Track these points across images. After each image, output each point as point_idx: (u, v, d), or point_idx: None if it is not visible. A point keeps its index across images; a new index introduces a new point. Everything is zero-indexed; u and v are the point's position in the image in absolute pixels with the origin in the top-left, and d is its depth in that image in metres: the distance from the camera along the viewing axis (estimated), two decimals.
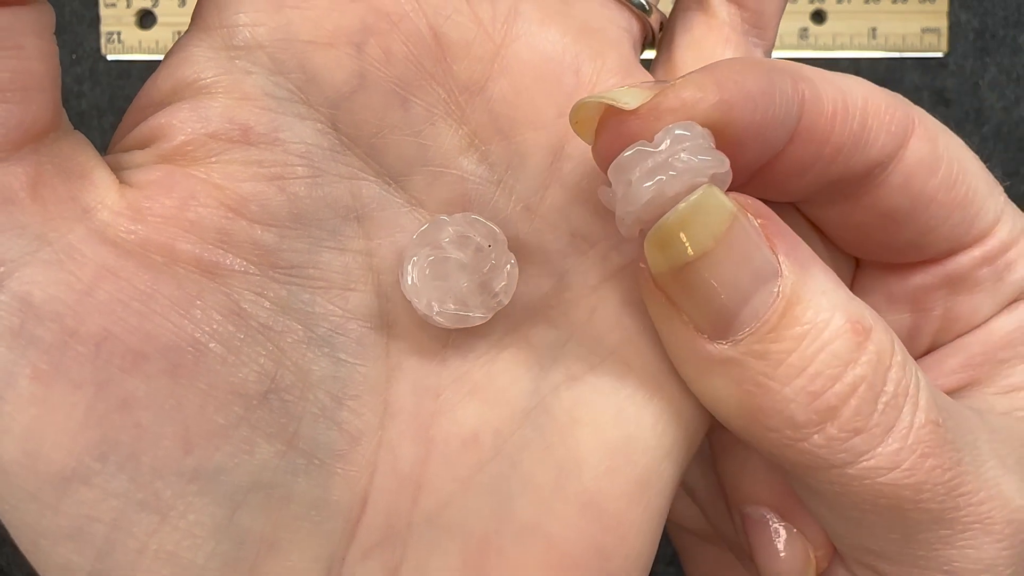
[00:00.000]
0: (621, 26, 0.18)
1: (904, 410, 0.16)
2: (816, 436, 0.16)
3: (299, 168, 0.16)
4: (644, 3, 0.18)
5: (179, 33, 0.39)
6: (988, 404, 0.19)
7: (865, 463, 0.16)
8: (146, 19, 0.38)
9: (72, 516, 0.14)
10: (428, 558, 0.16)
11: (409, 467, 0.16)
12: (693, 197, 0.15)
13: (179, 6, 0.38)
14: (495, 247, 0.16)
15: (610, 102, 0.15)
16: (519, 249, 0.17)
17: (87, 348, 0.14)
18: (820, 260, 0.16)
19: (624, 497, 0.17)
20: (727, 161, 0.15)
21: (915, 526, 0.16)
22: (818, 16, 0.38)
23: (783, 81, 0.16)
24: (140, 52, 0.38)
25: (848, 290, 0.16)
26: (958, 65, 0.38)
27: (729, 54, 0.19)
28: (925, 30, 0.38)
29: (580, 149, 0.17)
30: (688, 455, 0.18)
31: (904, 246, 0.19)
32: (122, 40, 0.38)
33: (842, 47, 0.38)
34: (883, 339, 0.16)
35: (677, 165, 0.15)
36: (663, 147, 0.15)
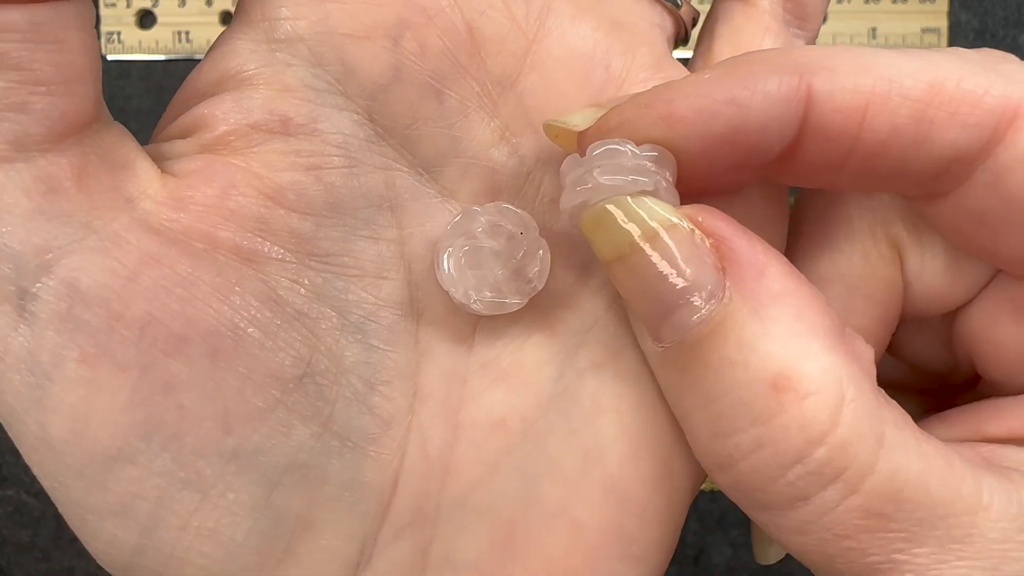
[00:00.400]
0: (653, 22, 0.18)
1: (828, 489, 0.15)
2: (719, 475, 0.16)
3: (336, 158, 0.16)
4: None
5: (179, 33, 0.39)
6: None
7: (768, 518, 0.16)
8: (146, 19, 0.39)
9: (118, 493, 0.15)
10: (457, 539, 0.17)
11: (438, 451, 0.17)
12: (592, 212, 0.15)
13: (179, 6, 0.38)
14: (527, 234, 0.17)
15: (563, 125, 0.16)
16: (546, 239, 0.17)
17: (132, 332, 0.15)
18: (797, 300, 0.15)
19: (647, 483, 0.17)
20: (649, 181, 0.15)
21: None
22: None
23: (771, 80, 0.15)
24: (140, 52, 0.38)
25: (828, 344, 0.15)
26: None
27: (768, 43, 0.18)
28: (925, 30, 0.38)
29: None
30: None
31: (1011, 255, 0.16)
32: (122, 40, 0.38)
33: None
34: (817, 410, 0.14)
35: (589, 182, 0.15)
36: (587, 160, 0.15)
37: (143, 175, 0.16)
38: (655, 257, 0.15)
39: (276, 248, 0.16)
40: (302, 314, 0.16)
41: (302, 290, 0.16)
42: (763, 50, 0.17)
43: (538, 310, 0.17)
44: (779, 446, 0.15)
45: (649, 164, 0.15)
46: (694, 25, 0.19)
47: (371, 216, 0.17)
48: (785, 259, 0.16)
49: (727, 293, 0.15)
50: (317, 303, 0.16)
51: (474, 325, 0.17)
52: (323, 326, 0.16)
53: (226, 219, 0.16)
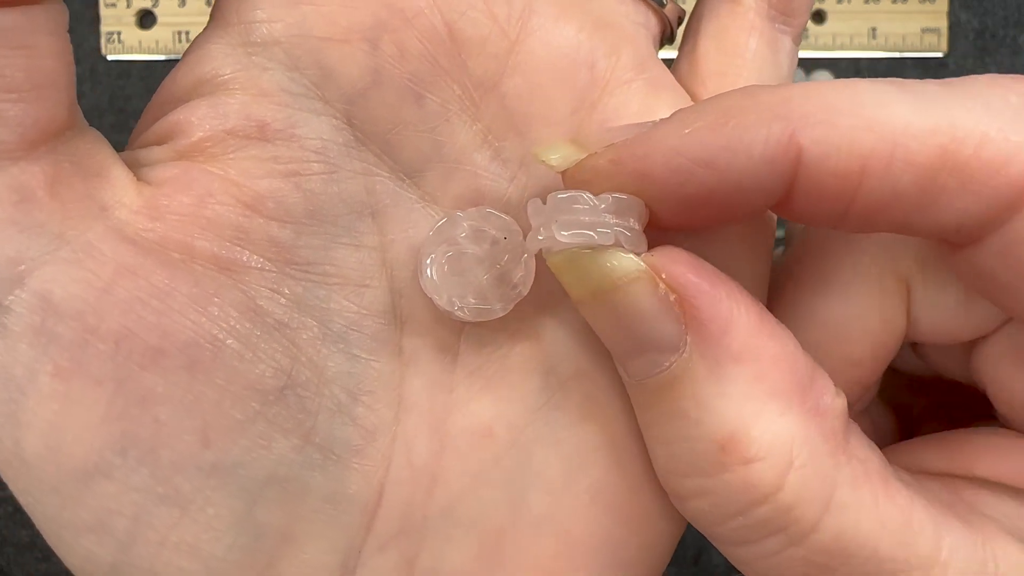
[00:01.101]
0: (638, 21, 0.18)
1: (770, 539, 0.15)
2: (675, 502, 0.16)
3: (315, 164, 0.16)
4: None
5: (179, 33, 0.39)
6: None
7: (720, 547, 0.16)
8: (146, 19, 0.38)
9: (94, 509, 0.15)
10: (444, 550, 0.16)
11: (424, 461, 0.17)
12: (562, 256, 0.15)
13: (179, 6, 0.38)
14: (510, 239, 0.16)
15: (543, 160, 0.16)
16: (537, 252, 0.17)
17: (107, 345, 0.14)
18: (759, 360, 0.15)
19: (634, 489, 0.17)
20: (609, 234, 0.15)
21: None
22: (818, 16, 0.38)
23: (756, 138, 0.14)
24: (140, 52, 0.38)
25: (784, 406, 0.15)
26: (958, 65, 0.38)
27: (754, 42, 0.18)
28: (925, 30, 0.38)
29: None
30: None
31: (1022, 311, 0.15)
32: (122, 40, 0.38)
33: (842, 47, 0.38)
34: (763, 474, 0.15)
35: (547, 233, 0.15)
36: (548, 210, 0.15)
37: (118, 183, 0.15)
38: (616, 308, 0.15)
39: (255, 257, 0.15)
40: (282, 324, 0.16)
41: (282, 300, 0.16)
42: (752, 92, 0.15)
43: (523, 318, 0.17)
44: (722, 499, 0.15)
45: (609, 217, 0.15)
46: (680, 23, 0.19)
47: (352, 223, 0.16)
48: (757, 310, 0.15)
49: (687, 349, 0.15)
50: (298, 313, 0.16)
51: (459, 333, 0.17)
52: (304, 336, 0.16)
53: (203, 228, 0.15)
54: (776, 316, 0.16)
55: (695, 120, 0.15)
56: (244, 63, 0.16)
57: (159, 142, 0.16)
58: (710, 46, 0.18)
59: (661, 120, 0.15)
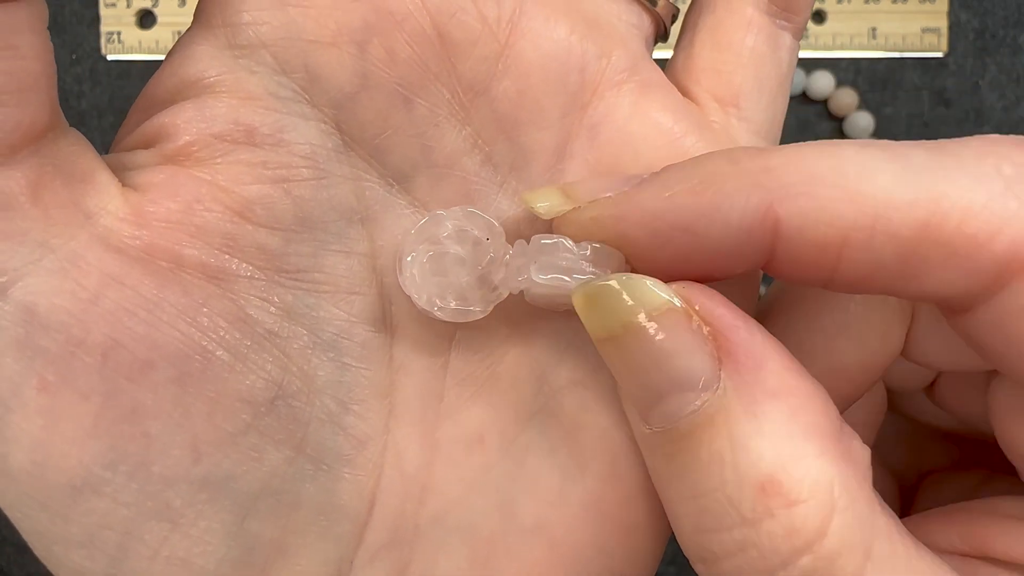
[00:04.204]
0: (630, 22, 0.17)
1: None
2: (700, 567, 0.15)
3: (304, 170, 0.16)
4: None
5: (179, 33, 0.39)
6: None
7: None
8: (146, 19, 0.39)
9: (83, 524, 0.14)
10: (435, 559, 0.16)
11: (415, 470, 0.16)
12: (588, 289, 0.15)
13: (179, 6, 0.38)
14: (493, 240, 0.16)
15: (531, 207, 0.16)
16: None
17: (94, 358, 0.14)
18: (794, 398, 0.14)
19: (627, 500, 0.17)
20: (584, 281, 0.15)
21: None
22: (818, 16, 0.38)
23: (733, 209, 0.14)
24: (140, 52, 0.38)
25: (822, 447, 0.14)
26: (958, 65, 0.38)
27: (751, 38, 0.18)
28: (925, 30, 0.38)
29: (583, 149, 0.17)
30: None
31: (1014, 375, 0.15)
32: (122, 40, 0.38)
33: (842, 47, 0.38)
34: (807, 518, 0.14)
35: (526, 275, 0.16)
36: (530, 252, 0.16)
37: (103, 188, 0.15)
38: (648, 342, 0.14)
39: (244, 265, 0.15)
40: (273, 334, 0.15)
41: (272, 308, 0.15)
42: (735, 157, 0.15)
43: (515, 324, 0.17)
44: (764, 551, 0.14)
45: (587, 265, 0.15)
46: (673, 21, 0.19)
47: (341, 229, 0.16)
48: (785, 351, 0.15)
49: (722, 385, 0.14)
50: (288, 322, 0.16)
51: (450, 339, 0.17)
52: (294, 345, 0.16)
53: (191, 236, 0.15)
54: (772, 311, 0.16)
55: (676, 183, 0.15)
56: (230, 65, 0.15)
57: (144, 145, 0.16)
58: (705, 42, 0.18)
59: (645, 179, 0.15)
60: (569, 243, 0.16)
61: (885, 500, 0.20)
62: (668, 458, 0.15)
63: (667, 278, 0.15)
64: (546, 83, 0.16)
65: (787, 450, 0.14)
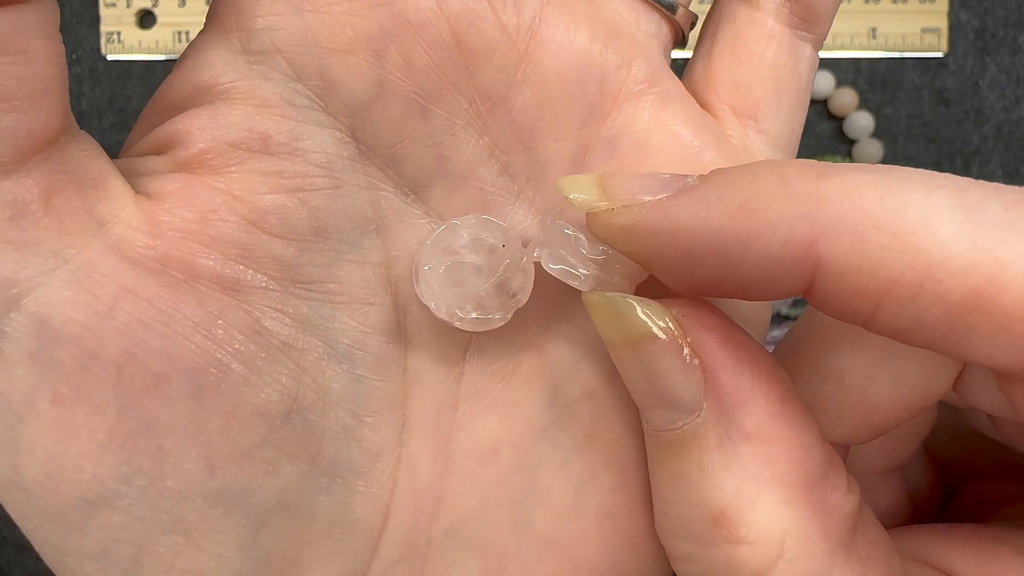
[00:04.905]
0: (649, 31, 0.17)
1: None
2: (672, 563, 0.16)
3: (319, 179, 0.15)
4: (671, 1, 0.17)
5: (179, 33, 0.39)
6: None
7: None
8: (146, 19, 0.39)
9: (97, 538, 0.14)
10: (448, 572, 0.16)
11: (429, 482, 0.16)
12: (600, 297, 0.15)
13: (179, 6, 0.38)
14: (509, 246, 0.16)
15: (565, 194, 0.15)
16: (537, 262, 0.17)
17: (108, 372, 0.14)
18: (771, 445, 0.14)
19: (640, 511, 0.17)
20: (588, 276, 0.15)
21: None
22: None
23: (776, 235, 0.13)
24: (140, 52, 0.38)
25: (787, 497, 0.14)
26: (958, 65, 0.38)
27: (771, 50, 0.17)
28: (925, 30, 0.38)
29: (602, 161, 0.17)
30: None
31: None
32: (122, 40, 0.38)
33: (842, 47, 0.38)
34: (749, 559, 0.14)
35: (540, 252, 0.16)
36: (547, 230, 0.16)
37: (116, 195, 0.15)
38: (638, 361, 0.15)
39: (259, 276, 0.15)
40: (287, 345, 0.15)
41: (287, 320, 0.15)
42: (787, 178, 0.14)
43: (529, 335, 0.17)
44: (707, 571, 0.15)
45: (594, 268, 0.16)
46: (692, 27, 0.18)
47: (357, 239, 0.16)
48: (781, 392, 0.15)
49: (703, 414, 0.15)
50: (303, 333, 0.15)
51: (464, 350, 0.17)
52: (309, 357, 0.15)
53: (206, 246, 0.15)
54: (815, 325, 0.15)
55: (718, 201, 0.14)
56: (244, 72, 0.15)
57: (157, 151, 0.15)
58: (724, 53, 0.18)
59: (686, 189, 0.14)
60: (584, 240, 0.16)
61: (922, 495, 0.20)
62: (654, 459, 0.16)
63: (689, 294, 0.15)
64: (565, 93, 0.16)
65: (748, 491, 0.14)
